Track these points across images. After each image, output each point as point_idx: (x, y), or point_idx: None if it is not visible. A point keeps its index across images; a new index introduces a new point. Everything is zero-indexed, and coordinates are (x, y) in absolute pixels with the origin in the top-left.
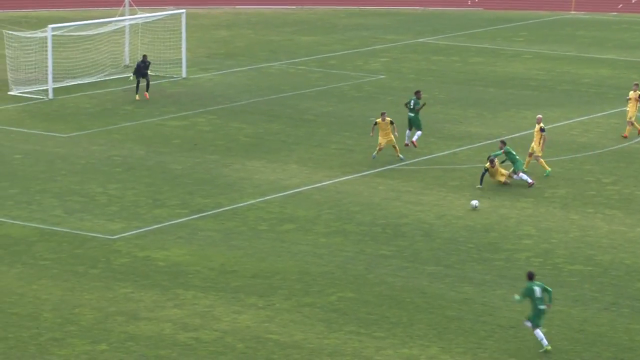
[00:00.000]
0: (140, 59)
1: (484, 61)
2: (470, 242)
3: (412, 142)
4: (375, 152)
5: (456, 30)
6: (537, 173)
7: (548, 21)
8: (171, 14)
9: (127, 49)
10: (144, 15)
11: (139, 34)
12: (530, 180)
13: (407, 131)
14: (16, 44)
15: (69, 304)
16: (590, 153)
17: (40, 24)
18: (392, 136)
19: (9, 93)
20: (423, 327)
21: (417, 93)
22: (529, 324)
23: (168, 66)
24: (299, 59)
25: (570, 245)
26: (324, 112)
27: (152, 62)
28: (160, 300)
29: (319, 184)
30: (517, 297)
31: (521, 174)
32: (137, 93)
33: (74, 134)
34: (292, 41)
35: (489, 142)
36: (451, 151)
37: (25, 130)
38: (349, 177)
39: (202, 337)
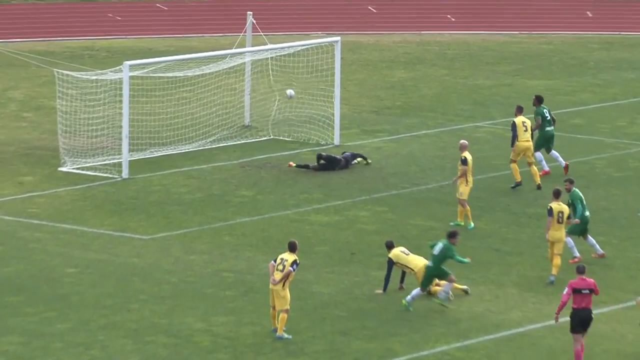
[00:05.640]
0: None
1: None
2: None
3: None
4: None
5: None
6: None
7: None
8: (319, 44)
9: (247, 99)
10: (275, 46)
11: (269, 74)
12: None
13: None
14: (73, 91)
15: None
16: None
17: (113, 59)
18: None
19: (60, 169)
20: None
21: None
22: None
23: (311, 126)
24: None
25: None
26: None
27: (287, 117)
28: None
29: (548, 322)
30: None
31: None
32: None
33: (161, 234)
34: (511, 87)
35: None
36: None
37: (85, 229)
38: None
39: None
